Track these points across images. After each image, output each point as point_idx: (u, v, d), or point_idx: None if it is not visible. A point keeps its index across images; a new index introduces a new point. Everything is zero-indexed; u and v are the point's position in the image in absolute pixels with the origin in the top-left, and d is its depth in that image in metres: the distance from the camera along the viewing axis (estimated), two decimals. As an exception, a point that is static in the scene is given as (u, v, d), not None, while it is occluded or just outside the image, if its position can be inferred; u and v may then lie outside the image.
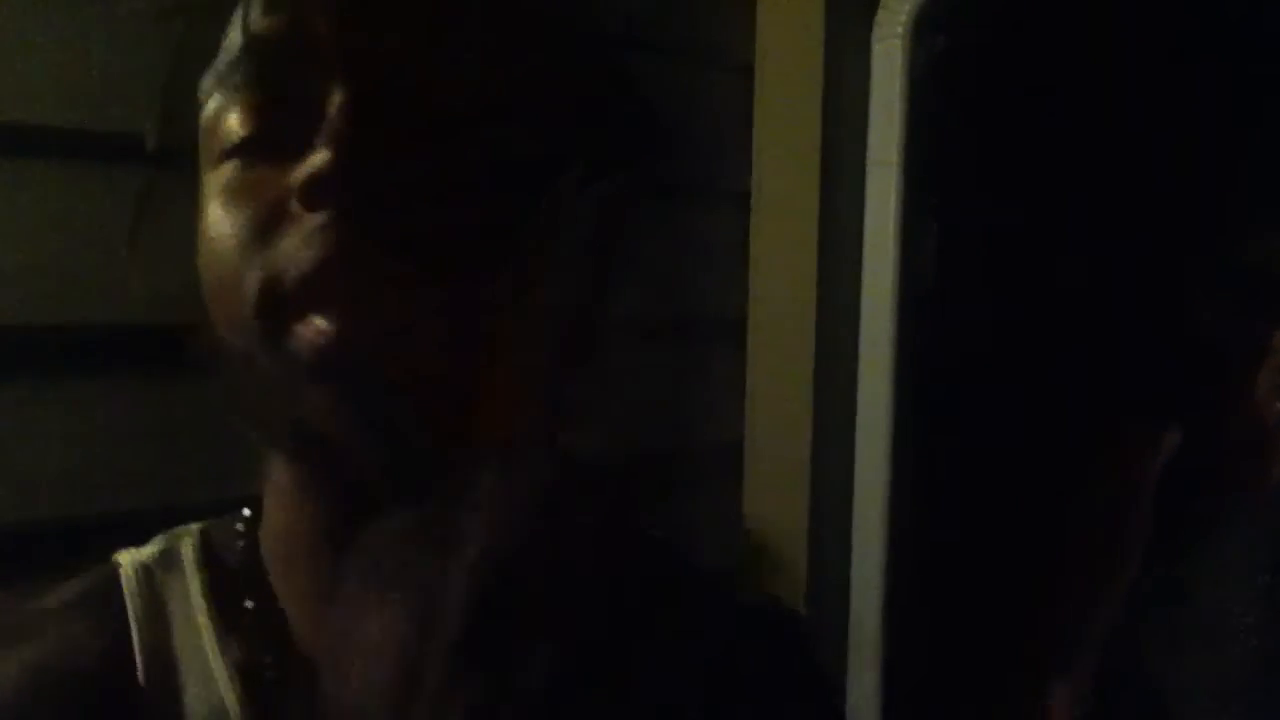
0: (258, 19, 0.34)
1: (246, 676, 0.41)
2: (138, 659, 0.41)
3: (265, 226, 0.34)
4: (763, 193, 1.22)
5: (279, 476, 0.42)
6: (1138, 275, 1.24)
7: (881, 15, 1.19)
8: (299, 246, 0.32)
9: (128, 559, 0.45)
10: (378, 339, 0.33)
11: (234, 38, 0.36)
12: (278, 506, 0.43)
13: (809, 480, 1.19)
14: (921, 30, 1.17)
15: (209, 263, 0.36)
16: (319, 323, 0.32)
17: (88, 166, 0.82)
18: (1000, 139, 1.27)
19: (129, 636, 0.42)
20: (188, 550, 0.45)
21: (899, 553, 1.18)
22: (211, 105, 0.37)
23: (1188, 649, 1.03)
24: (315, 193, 0.32)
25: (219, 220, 0.35)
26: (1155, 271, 1.25)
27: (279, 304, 0.33)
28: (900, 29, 1.17)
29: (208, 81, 0.37)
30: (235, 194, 0.35)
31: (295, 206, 0.33)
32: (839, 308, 1.21)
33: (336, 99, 0.32)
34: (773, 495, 1.22)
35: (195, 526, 0.47)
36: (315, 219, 0.32)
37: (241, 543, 0.44)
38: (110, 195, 0.82)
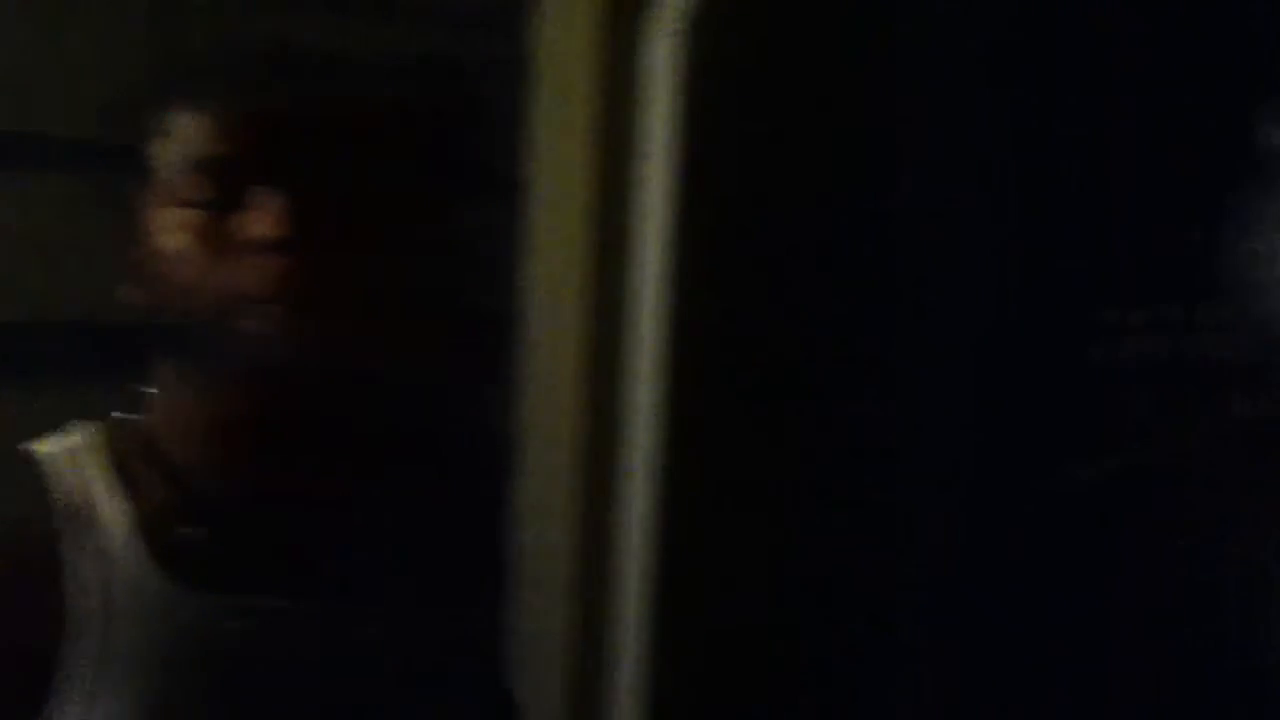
0: (212, 143, 0.61)
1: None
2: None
3: (215, 249, 0.60)
4: (539, 185, 1.21)
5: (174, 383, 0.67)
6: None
7: (658, 11, 1.20)
8: (255, 269, 0.59)
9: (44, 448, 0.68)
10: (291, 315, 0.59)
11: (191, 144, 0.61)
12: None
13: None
14: (699, 26, 1.19)
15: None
16: (264, 311, 0.59)
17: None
18: (779, 134, 1.30)
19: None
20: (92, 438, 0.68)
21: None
22: (169, 158, 0.62)
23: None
24: (263, 240, 0.58)
25: (178, 242, 0.61)
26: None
27: (234, 300, 0.60)
28: (677, 25, 1.19)
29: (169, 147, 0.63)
30: (189, 228, 0.61)
31: (245, 240, 0.59)
32: (612, 302, 1.22)
33: (263, 191, 0.59)
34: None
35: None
36: (259, 252, 0.59)
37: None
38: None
